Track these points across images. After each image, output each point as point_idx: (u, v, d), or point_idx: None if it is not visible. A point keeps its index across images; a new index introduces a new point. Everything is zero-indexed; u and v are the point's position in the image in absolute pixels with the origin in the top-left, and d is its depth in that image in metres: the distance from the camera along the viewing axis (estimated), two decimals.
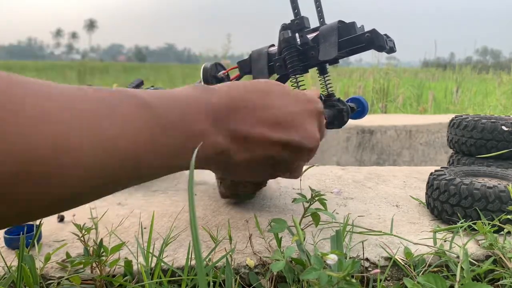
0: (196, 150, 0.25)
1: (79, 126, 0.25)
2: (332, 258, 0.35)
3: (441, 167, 0.64)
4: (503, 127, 0.73)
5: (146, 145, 0.29)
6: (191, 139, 0.32)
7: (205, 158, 0.34)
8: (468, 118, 0.79)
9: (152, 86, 0.90)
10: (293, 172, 0.43)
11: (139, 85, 0.93)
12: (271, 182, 0.75)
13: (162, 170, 0.32)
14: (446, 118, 1.87)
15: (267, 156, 0.37)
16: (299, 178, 0.77)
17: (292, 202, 0.45)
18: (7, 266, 0.43)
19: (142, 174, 0.31)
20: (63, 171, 0.24)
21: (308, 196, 0.46)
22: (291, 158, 0.38)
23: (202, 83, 0.69)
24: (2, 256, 0.45)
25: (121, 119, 0.28)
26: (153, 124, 0.30)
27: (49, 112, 0.24)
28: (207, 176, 0.80)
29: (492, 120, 0.76)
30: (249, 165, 0.37)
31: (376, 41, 0.53)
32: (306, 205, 0.45)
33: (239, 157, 0.36)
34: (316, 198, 0.44)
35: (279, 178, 0.78)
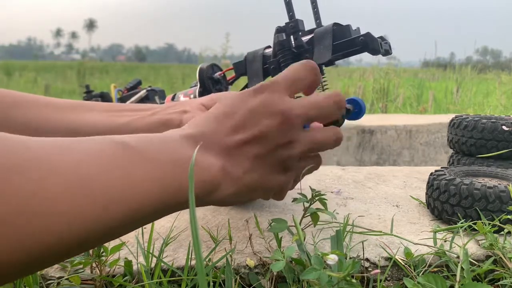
0: (196, 150, 0.24)
1: (58, 181, 0.24)
2: (332, 258, 0.35)
3: (441, 167, 0.64)
4: (504, 127, 0.73)
5: (129, 184, 0.28)
6: (181, 166, 0.32)
7: (208, 183, 0.34)
8: (468, 118, 0.79)
9: (150, 86, 0.90)
10: (300, 167, 0.41)
11: (137, 85, 0.93)
12: None
13: (158, 210, 0.31)
14: (446, 118, 1.87)
15: (260, 155, 0.37)
16: None
17: (292, 202, 0.45)
18: None
19: (135, 218, 0.29)
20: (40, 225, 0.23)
21: (309, 196, 0.46)
22: (279, 149, 0.37)
23: (198, 84, 0.69)
24: None
25: (103, 164, 0.27)
26: (138, 162, 0.29)
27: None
28: None
29: (492, 120, 0.76)
30: (254, 174, 0.37)
31: (370, 45, 0.53)
32: (306, 205, 0.45)
33: (238, 169, 0.36)
34: (317, 198, 0.44)
35: None
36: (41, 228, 0.23)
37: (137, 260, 0.45)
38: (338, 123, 0.61)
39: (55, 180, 0.24)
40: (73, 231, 0.25)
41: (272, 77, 0.61)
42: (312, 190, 0.45)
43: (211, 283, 0.40)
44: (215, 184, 0.34)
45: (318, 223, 0.46)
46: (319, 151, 0.41)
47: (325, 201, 0.45)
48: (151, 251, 0.44)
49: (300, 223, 0.45)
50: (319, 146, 0.40)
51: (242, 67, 0.64)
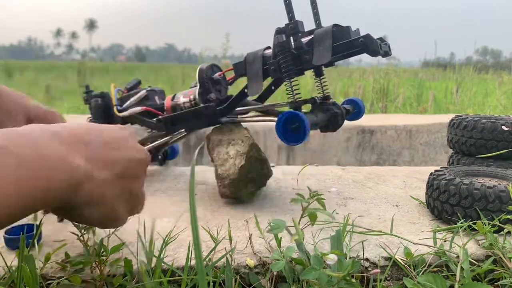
0: (198, 149, 0.25)
1: None
2: (331, 258, 0.35)
3: (441, 167, 0.64)
4: (503, 127, 0.73)
5: (10, 189, 0.29)
6: (50, 166, 0.33)
7: (73, 183, 0.35)
8: (468, 118, 0.79)
9: (150, 87, 0.90)
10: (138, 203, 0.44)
11: (136, 85, 0.93)
12: (270, 182, 0.75)
13: (31, 206, 0.32)
14: (446, 118, 1.87)
15: (122, 175, 0.39)
16: (296, 178, 0.77)
17: (290, 202, 0.45)
18: (7, 266, 0.43)
19: (12, 218, 0.31)
20: None
21: (307, 196, 0.46)
22: (137, 176, 0.41)
23: (198, 84, 0.69)
24: (2, 256, 0.45)
25: None
26: (11, 164, 0.30)
27: None
28: (207, 176, 0.80)
29: (492, 120, 0.76)
30: (111, 190, 0.39)
31: (370, 46, 0.53)
32: (305, 205, 0.45)
33: (100, 178, 0.37)
34: (314, 198, 0.44)
35: (279, 178, 0.78)
36: None
37: (137, 260, 0.45)
38: (338, 124, 0.61)
39: None
40: None
41: (272, 78, 0.61)
42: (310, 190, 0.45)
43: (211, 283, 0.40)
44: (79, 183, 0.35)
45: (318, 223, 0.46)
46: None
47: (323, 200, 0.45)
48: (151, 251, 0.44)
49: (299, 223, 0.45)
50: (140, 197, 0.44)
51: (242, 67, 0.64)
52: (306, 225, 0.51)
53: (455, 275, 0.42)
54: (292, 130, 0.53)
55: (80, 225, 0.44)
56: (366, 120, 1.86)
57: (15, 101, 0.57)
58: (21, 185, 0.31)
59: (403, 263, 0.45)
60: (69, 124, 0.39)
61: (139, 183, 0.42)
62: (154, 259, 0.44)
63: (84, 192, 0.36)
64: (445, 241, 0.49)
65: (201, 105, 0.67)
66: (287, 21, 0.57)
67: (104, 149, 0.39)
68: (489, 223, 0.50)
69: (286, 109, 0.58)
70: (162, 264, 0.44)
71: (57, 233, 0.53)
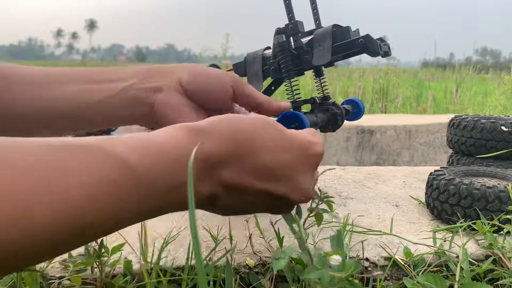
0: (195, 149, 0.24)
1: (41, 199, 0.23)
2: (336, 259, 0.35)
3: (441, 167, 0.64)
4: (503, 128, 0.73)
5: (120, 208, 0.27)
6: (172, 191, 0.30)
7: (186, 206, 0.32)
8: (467, 118, 0.79)
9: None
10: (280, 211, 0.41)
11: None
12: None
13: (136, 222, 0.31)
14: (445, 118, 1.87)
15: (252, 202, 0.36)
16: None
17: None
18: None
19: (111, 229, 0.29)
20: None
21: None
22: (279, 205, 0.37)
23: None
24: None
25: (94, 183, 0.26)
26: (132, 186, 0.28)
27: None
28: None
29: (492, 120, 0.76)
30: (233, 208, 0.36)
31: (370, 47, 0.53)
32: (313, 205, 0.45)
33: (224, 202, 0.34)
34: (325, 200, 0.44)
35: None
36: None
37: (139, 259, 0.45)
38: (338, 124, 0.61)
39: (44, 203, 0.23)
40: (44, 248, 0.24)
41: (272, 78, 0.61)
42: (320, 191, 0.45)
43: (211, 283, 0.40)
44: (198, 205, 0.34)
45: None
46: None
47: (332, 203, 0.44)
48: (151, 251, 0.44)
49: (304, 224, 0.45)
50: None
51: (241, 68, 0.64)
52: (309, 225, 0.51)
53: (454, 275, 0.42)
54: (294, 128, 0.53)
55: None
56: (366, 120, 1.86)
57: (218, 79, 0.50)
58: (141, 204, 0.28)
59: (402, 263, 0.45)
60: (227, 136, 0.33)
61: (280, 211, 0.38)
62: (155, 259, 0.44)
63: (203, 208, 0.35)
64: (444, 241, 0.49)
65: None
66: (287, 21, 0.58)
67: (249, 175, 0.33)
68: (488, 223, 0.50)
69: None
70: (162, 263, 0.44)
71: None
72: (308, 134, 0.38)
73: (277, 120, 0.54)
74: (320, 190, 0.45)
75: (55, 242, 0.25)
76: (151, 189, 0.29)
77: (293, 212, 0.42)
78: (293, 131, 0.37)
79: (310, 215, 0.45)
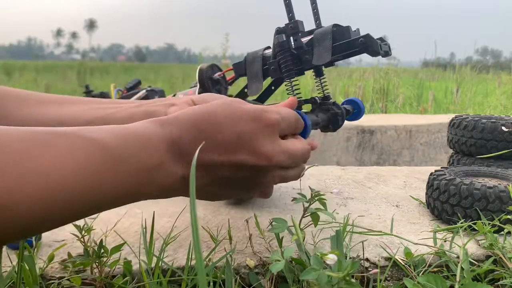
0: (195, 156, 0.25)
1: (20, 172, 0.26)
2: (331, 258, 0.35)
3: (441, 167, 0.64)
4: (503, 128, 0.73)
5: (97, 185, 0.30)
6: (148, 172, 0.33)
7: (165, 187, 0.36)
8: (468, 118, 0.79)
9: (149, 86, 0.90)
10: (262, 190, 0.43)
11: (136, 84, 0.93)
12: None
13: (113, 204, 0.33)
14: (446, 118, 1.87)
15: (224, 178, 0.38)
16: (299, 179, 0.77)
17: (292, 201, 0.45)
18: (7, 266, 0.43)
19: (91, 211, 0.32)
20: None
21: (308, 196, 0.46)
22: (249, 177, 0.39)
23: (198, 84, 0.69)
24: (3, 256, 0.45)
25: (74, 162, 0.29)
26: (109, 163, 0.31)
27: None
28: None
29: (492, 120, 0.76)
30: (212, 189, 0.39)
31: (370, 46, 0.53)
32: (306, 205, 0.45)
33: (199, 181, 0.37)
34: (316, 198, 0.44)
35: None
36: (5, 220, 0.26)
37: (139, 259, 0.45)
38: (338, 124, 0.61)
39: (32, 180, 0.27)
40: (36, 222, 0.28)
41: (272, 78, 0.61)
42: (312, 190, 0.45)
43: (211, 283, 0.40)
44: (172, 189, 0.36)
45: (318, 223, 0.46)
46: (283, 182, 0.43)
47: (324, 201, 0.45)
48: (151, 251, 0.44)
49: (300, 223, 0.45)
50: (285, 180, 0.43)
51: (241, 67, 0.64)
52: (306, 225, 0.51)
53: (455, 275, 0.42)
54: None
55: (80, 225, 0.44)
56: (366, 120, 1.86)
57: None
58: (117, 185, 0.31)
59: (403, 263, 0.45)
60: (185, 117, 0.37)
61: (258, 180, 0.40)
62: (154, 259, 0.44)
63: (179, 193, 0.37)
64: (445, 241, 0.49)
65: None
66: (287, 21, 0.57)
67: (210, 152, 0.36)
68: (489, 223, 0.50)
69: None
70: (162, 264, 0.43)
71: (57, 233, 0.53)
72: (260, 108, 0.40)
73: None
74: (311, 189, 0.45)
75: (44, 211, 0.28)
76: (123, 165, 0.32)
77: (291, 215, 0.42)
78: (250, 105, 0.40)
79: (305, 215, 0.45)
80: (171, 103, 0.53)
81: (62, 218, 0.30)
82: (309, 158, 0.44)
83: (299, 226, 0.45)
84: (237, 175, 0.38)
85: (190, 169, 0.35)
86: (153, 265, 0.44)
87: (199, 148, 0.35)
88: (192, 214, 0.21)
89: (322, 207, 0.45)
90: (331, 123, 0.61)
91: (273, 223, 0.44)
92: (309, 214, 0.45)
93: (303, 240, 0.44)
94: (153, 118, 0.37)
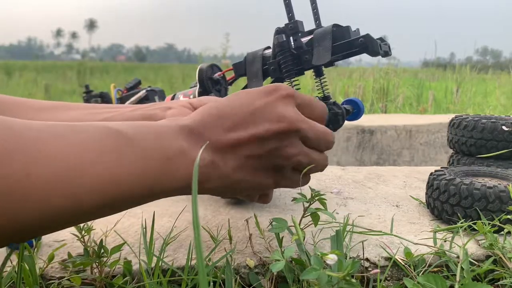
0: (199, 155, 0.25)
1: (48, 163, 0.26)
2: (332, 258, 0.35)
3: (441, 167, 0.64)
4: (504, 127, 0.73)
5: (122, 174, 0.30)
6: (171, 160, 0.33)
7: (190, 175, 0.35)
8: (468, 118, 0.79)
9: (149, 87, 0.90)
10: (292, 179, 0.42)
11: (136, 84, 0.93)
12: None
13: (143, 197, 0.33)
14: (446, 118, 1.87)
15: (251, 157, 0.38)
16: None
17: (292, 201, 0.45)
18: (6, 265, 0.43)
19: (121, 204, 0.31)
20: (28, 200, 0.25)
21: (308, 196, 0.46)
22: (275, 150, 0.38)
23: (198, 84, 0.69)
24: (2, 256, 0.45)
25: (94, 151, 0.28)
26: (128, 151, 0.30)
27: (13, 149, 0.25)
28: None
29: (492, 120, 0.76)
30: (240, 174, 0.38)
31: (370, 47, 0.53)
32: (306, 205, 0.45)
33: (228, 166, 0.37)
34: (316, 198, 0.44)
35: None
36: (25, 208, 0.25)
37: (139, 259, 0.45)
38: (339, 124, 0.61)
39: (46, 164, 0.26)
40: (55, 212, 0.27)
41: (272, 78, 0.61)
42: (312, 190, 0.45)
43: (211, 283, 0.40)
44: (202, 177, 0.35)
45: (318, 223, 0.46)
46: (307, 168, 0.42)
47: (324, 201, 0.45)
48: (151, 251, 0.44)
49: (299, 223, 0.45)
50: (310, 164, 0.42)
51: (241, 67, 0.64)
52: (306, 225, 0.51)
53: (455, 275, 0.42)
54: None
55: (80, 226, 0.44)
56: (366, 120, 1.86)
57: None
58: (142, 175, 0.31)
59: (403, 263, 0.45)
60: (200, 110, 0.38)
61: (284, 152, 0.39)
62: (154, 259, 0.44)
63: (210, 183, 0.36)
64: (445, 241, 0.49)
65: None
66: (287, 21, 0.57)
67: (233, 131, 0.36)
68: (489, 223, 0.50)
69: None
70: (162, 264, 0.44)
71: (57, 233, 0.53)
72: (267, 86, 0.40)
73: None
74: (311, 189, 0.45)
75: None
76: (143, 151, 0.31)
77: (291, 215, 0.42)
78: (256, 88, 0.40)
79: (305, 215, 0.45)
80: (168, 107, 0.53)
81: (89, 209, 0.29)
82: (333, 142, 0.43)
83: (299, 226, 0.45)
84: (264, 150, 0.38)
85: (218, 153, 0.36)
86: (153, 265, 0.44)
87: (225, 126, 0.36)
88: (194, 214, 0.21)
89: (322, 207, 0.45)
90: (332, 123, 0.61)
91: (273, 223, 0.44)
92: (309, 214, 0.45)
93: (303, 240, 0.44)
94: (166, 119, 0.38)
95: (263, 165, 0.39)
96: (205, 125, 0.36)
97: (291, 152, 0.39)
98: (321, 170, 0.44)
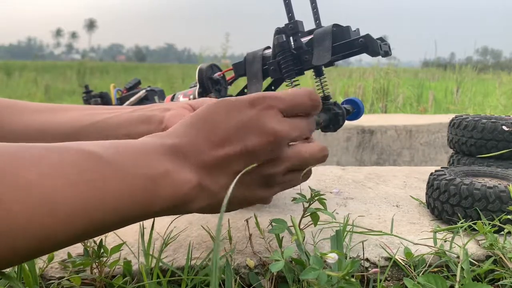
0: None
1: (14, 188, 0.25)
2: (332, 257, 0.35)
3: (441, 167, 0.64)
4: (504, 127, 0.73)
5: (98, 200, 0.28)
6: (154, 182, 0.31)
7: (180, 198, 0.33)
8: (468, 118, 0.79)
9: (149, 86, 0.90)
10: (286, 181, 0.41)
11: (136, 84, 0.93)
12: None
13: (123, 221, 0.31)
14: (446, 118, 1.87)
15: (236, 174, 0.35)
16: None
17: (292, 201, 0.45)
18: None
19: (98, 228, 0.29)
20: None
21: (308, 196, 0.46)
22: (268, 161, 0.37)
23: (198, 84, 0.69)
24: None
25: (69, 176, 0.27)
26: (106, 175, 0.28)
27: None
28: None
29: (493, 120, 0.76)
30: (234, 190, 0.35)
31: (370, 47, 0.53)
32: (306, 205, 0.45)
33: (216, 185, 0.35)
34: (316, 198, 0.44)
35: None
36: None
37: (138, 260, 0.45)
38: (339, 124, 0.61)
39: (17, 195, 0.25)
40: (31, 244, 0.25)
41: (272, 78, 0.61)
42: (312, 190, 0.45)
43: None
44: (188, 199, 0.34)
45: (318, 223, 0.46)
46: (304, 168, 0.41)
47: (324, 201, 0.45)
48: (151, 251, 0.44)
49: (299, 223, 0.45)
50: (304, 163, 0.40)
51: (241, 67, 0.64)
52: (306, 225, 0.51)
53: (455, 275, 0.42)
54: None
55: None
56: (366, 120, 1.86)
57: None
58: (119, 199, 0.29)
59: (403, 263, 0.45)
60: (186, 123, 0.36)
61: (271, 166, 0.37)
62: (154, 259, 0.44)
63: (198, 203, 0.34)
64: (445, 241, 0.49)
65: None
66: (287, 21, 0.57)
67: (220, 147, 0.34)
68: (489, 223, 0.50)
69: None
70: (162, 264, 0.43)
71: None
72: (254, 95, 0.38)
73: None
74: (311, 189, 0.45)
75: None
76: (124, 174, 0.29)
77: (290, 215, 0.42)
78: (240, 97, 0.38)
79: (305, 215, 0.45)
80: (167, 108, 0.52)
81: (64, 238, 0.27)
82: (326, 159, 0.42)
83: (299, 226, 0.45)
84: (252, 164, 0.35)
85: (206, 173, 0.34)
86: (153, 265, 0.44)
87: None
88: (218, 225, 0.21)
89: (322, 207, 0.45)
90: (332, 123, 0.61)
91: (273, 223, 0.44)
92: (309, 214, 0.45)
93: (303, 240, 0.44)
94: (150, 135, 0.36)
95: (254, 179, 0.38)
96: (191, 142, 0.35)
97: (281, 160, 0.38)
98: (323, 160, 0.42)
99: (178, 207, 0.34)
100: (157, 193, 0.31)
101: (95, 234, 0.30)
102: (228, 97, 0.38)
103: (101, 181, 0.28)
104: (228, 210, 0.41)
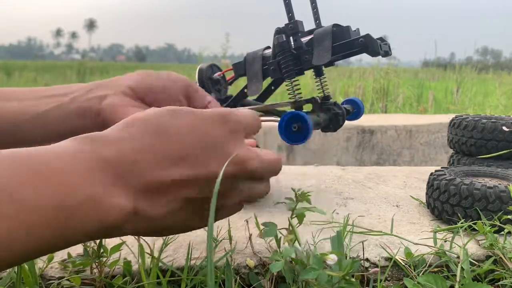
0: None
1: None
2: (332, 258, 0.35)
3: (441, 167, 0.64)
4: (504, 128, 0.73)
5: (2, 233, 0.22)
6: (80, 206, 0.25)
7: (109, 225, 0.27)
8: (468, 118, 0.79)
9: None
10: (231, 209, 0.37)
11: None
12: (271, 182, 0.75)
13: (55, 248, 0.26)
14: (446, 118, 1.87)
15: (192, 200, 0.31)
16: (297, 178, 0.77)
17: (275, 204, 0.45)
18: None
19: (23, 257, 0.25)
20: None
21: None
22: (223, 191, 0.32)
23: (198, 84, 0.69)
24: None
25: None
26: (15, 209, 0.23)
27: None
28: None
29: (493, 120, 0.76)
30: (175, 218, 0.31)
31: (370, 47, 0.53)
32: (292, 207, 0.45)
33: (156, 211, 0.29)
34: (301, 198, 0.44)
35: (279, 178, 0.78)
36: None
37: (138, 260, 0.45)
38: (339, 124, 0.61)
39: None
40: None
41: (272, 78, 0.61)
42: (294, 190, 0.44)
43: None
44: (118, 226, 0.28)
45: (318, 223, 0.46)
46: (254, 201, 0.38)
47: (309, 197, 0.44)
48: (151, 251, 0.44)
49: (289, 225, 0.45)
50: (254, 198, 0.37)
51: (241, 67, 0.64)
52: (298, 224, 0.51)
53: (455, 275, 0.42)
54: (295, 129, 0.52)
55: None
56: (366, 120, 1.86)
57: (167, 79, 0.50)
58: (34, 231, 0.24)
59: (403, 263, 0.45)
60: (134, 132, 0.29)
61: (230, 194, 0.33)
62: (154, 259, 0.44)
63: (130, 229, 0.29)
64: (445, 241, 0.49)
65: None
66: (287, 21, 0.57)
67: (174, 167, 0.29)
68: (489, 223, 0.50)
69: (287, 109, 0.58)
70: (162, 264, 0.43)
71: None
72: (220, 109, 0.34)
73: (280, 120, 0.53)
74: (294, 190, 0.45)
75: None
76: (33, 210, 0.24)
77: (289, 216, 0.42)
78: (204, 110, 0.33)
79: (293, 216, 0.45)
80: (105, 95, 0.46)
81: None
82: (281, 169, 0.38)
83: (290, 227, 0.44)
84: (206, 194, 0.30)
85: (145, 197, 0.28)
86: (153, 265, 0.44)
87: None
88: (210, 226, 0.20)
89: (315, 206, 0.45)
90: (332, 123, 0.60)
91: (264, 228, 0.43)
92: (295, 215, 0.44)
93: (295, 242, 0.44)
94: (83, 138, 0.29)
95: (201, 208, 0.32)
96: (134, 157, 0.28)
97: (237, 192, 0.34)
98: (262, 197, 0.39)
99: (107, 234, 0.29)
100: (80, 219, 0.26)
101: (22, 261, 0.26)
102: (187, 108, 0.32)
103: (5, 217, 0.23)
104: (163, 235, 0.37)
